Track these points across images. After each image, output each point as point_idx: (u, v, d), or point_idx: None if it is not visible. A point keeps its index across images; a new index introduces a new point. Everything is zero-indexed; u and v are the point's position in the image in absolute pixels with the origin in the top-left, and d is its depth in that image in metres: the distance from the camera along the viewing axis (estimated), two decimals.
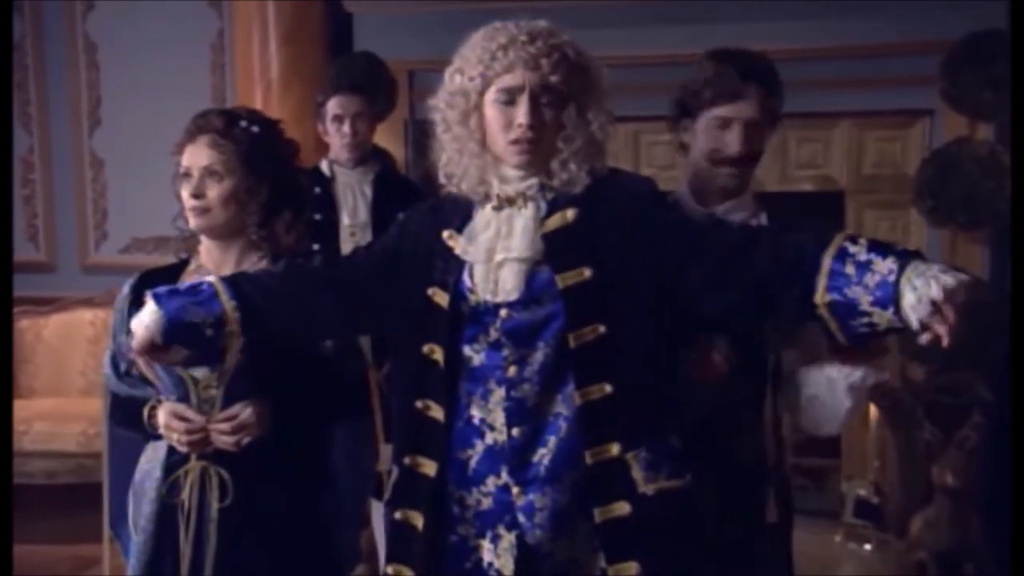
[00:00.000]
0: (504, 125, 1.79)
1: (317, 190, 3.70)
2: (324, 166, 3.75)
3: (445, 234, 1.85)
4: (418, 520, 1.85)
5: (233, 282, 1.92)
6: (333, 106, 3.68)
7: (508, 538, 1.80)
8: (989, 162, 3.83)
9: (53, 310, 5.11)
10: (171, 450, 2.14)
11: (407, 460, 1.86)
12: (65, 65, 5.18)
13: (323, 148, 3.84)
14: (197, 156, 2.11)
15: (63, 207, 5.29)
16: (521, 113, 1.77)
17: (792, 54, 4.22)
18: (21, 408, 4.75)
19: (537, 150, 1.79)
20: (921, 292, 1.57)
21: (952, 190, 3.86)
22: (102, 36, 5.14)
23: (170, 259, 2.26)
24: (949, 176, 3.85)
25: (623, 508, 1.77)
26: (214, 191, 2.10)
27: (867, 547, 4.00)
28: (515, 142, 1.79)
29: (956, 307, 1.56)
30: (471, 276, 1.82)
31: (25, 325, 5.08)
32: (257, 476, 2.11)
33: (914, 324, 1.59)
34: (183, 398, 2.12)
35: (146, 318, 1.87)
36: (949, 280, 1.57)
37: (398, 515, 1.88)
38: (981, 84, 3.78)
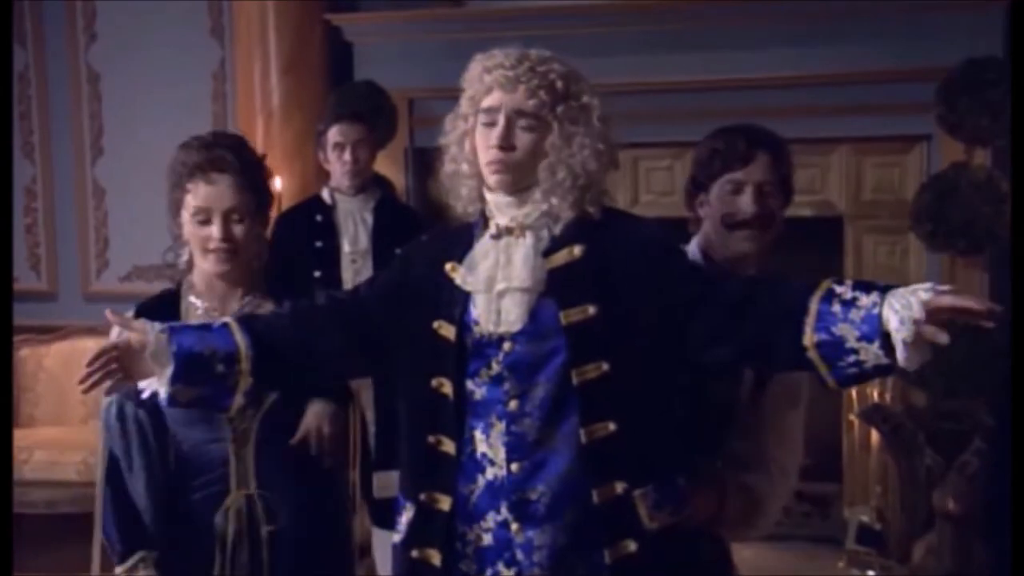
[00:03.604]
0: (484, 146, 1.81)
1: (318, 218, 3.73)
2: (325, 194, 3.77)
3: (448, 266, 1.85)
4: (435, 557, 1.83)
5: (246, 322, 1.91)
6: (334, 134, 3.70)
7: (508, 575, 1.79)
8: (987, 187, 3.85)
9: (54, 338, 5.12)
10: (207, 482, 2.17)
11: (423, 496, 1.84)
12: (68, 95, 5.22)
13: (324, 176, 3.86)
14: (219, 198, 2.08)
15: (65, 236, 5.31)
16: (495, 135, 1.78)
17: (790, 81, 4.27)
18: (22, 437, 4.74)
19: (513, 173, 1.79)
20: (902, 314, 1.57)
21: (950, 215, 3.88)
22: (105, 66, 5.17)
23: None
24: (947, 201, 3.86)
25: (630, 546, 1.77)
26: (239, 231, 2.10)
27: (870, 573, 3.98)
28: (490, 163, 1.80)
29: (951, 305, 1.54)
30: (475, 307, 1.82)
31: (26, 354, 5.08)
32: (294, 496, 2.19)
33: (900, 352, 1.57)
34: (217, 439, 2.15)
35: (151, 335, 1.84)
36: (924, 295, 1.57)
37: (415, 553, 1.85)
38: (977, 110, 3.80)
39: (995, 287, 4.10)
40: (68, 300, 5.32)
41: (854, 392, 4.29)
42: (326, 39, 4.67)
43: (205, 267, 2.14)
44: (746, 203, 2.09)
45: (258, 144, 4.61)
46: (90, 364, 1.82)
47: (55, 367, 5.05)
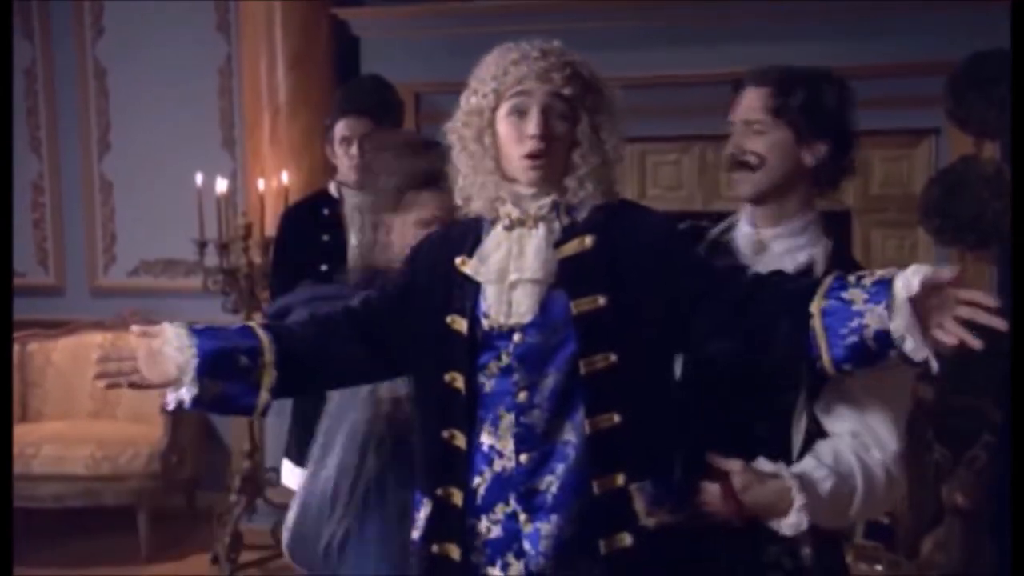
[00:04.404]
0: (516, 138, 1.79)
1: (325, 211, 3.73)
2: (332, 188, 3.77)
3: (457, 260, 1.85)
4: (455, 551, 1.83)
5: (265, 325, 1.94)
6: (341, 128, 3.70)
7: (517, 566, 1.80)
8: (995, 181, 3.83)
9: (62, 333, 5.13)
10: None
11: (440, 491, 1.85)
12: (75, 90, 5.23)
13: (331, 171, 3.86)
14: (447, 207, 2.10)
15: (72, 230, 5.32)
16: (532, 124, 1.77)
17: None
18: (30, 431, 4.76)
19: (549, 164, 1.79)
20: (918, 269, 1.61)
21: (959, 209, 3.86)
22: (112, 61, 5.18)
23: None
24: (956, 195, 3.84)
25: (625, 540, 1.77)
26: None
27: (878, 568, 3.97)
28: (528, 156, 1.78)
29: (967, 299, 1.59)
30: (485, 299, 1.82)
31: (34, 348, 5.09)
32: None
33: (904, 295, 1.59)
34: None
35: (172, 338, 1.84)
36: (948, 272, 1.62)
37: (435, 548, 1.86)
38: (986, 104, 3.78)
39: (1003, 281, 4.09)
40: (75, 295, 5.33)
41: None
42: (333, 34, 4.67)
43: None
44: (731, 143, 2.00)
45: (264, 139, 4.63)
46: (101, 361, 1.82)
47: (63, 362, 5.07)
